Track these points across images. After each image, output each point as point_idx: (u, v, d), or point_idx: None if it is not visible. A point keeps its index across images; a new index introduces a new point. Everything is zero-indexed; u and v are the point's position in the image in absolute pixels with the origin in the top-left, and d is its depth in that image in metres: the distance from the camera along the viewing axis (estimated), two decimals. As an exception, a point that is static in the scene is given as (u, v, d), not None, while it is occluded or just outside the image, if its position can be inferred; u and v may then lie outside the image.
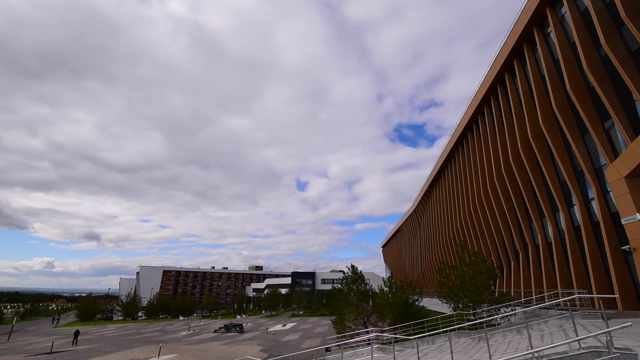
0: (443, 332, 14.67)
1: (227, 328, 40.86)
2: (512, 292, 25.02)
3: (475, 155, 33.11)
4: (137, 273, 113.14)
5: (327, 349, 20.59)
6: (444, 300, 20.37)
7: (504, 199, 27.17)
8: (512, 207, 26.62)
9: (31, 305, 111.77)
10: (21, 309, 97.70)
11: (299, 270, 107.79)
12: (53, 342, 32.02)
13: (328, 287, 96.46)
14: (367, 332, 19.53)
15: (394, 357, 9.83)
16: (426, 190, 54.60)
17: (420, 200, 59.43)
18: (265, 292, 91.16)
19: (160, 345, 27.11)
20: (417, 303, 23.81)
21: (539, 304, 18.65)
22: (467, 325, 15.20)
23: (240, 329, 40.37)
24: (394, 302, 22.90)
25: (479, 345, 13.44)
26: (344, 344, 14.97)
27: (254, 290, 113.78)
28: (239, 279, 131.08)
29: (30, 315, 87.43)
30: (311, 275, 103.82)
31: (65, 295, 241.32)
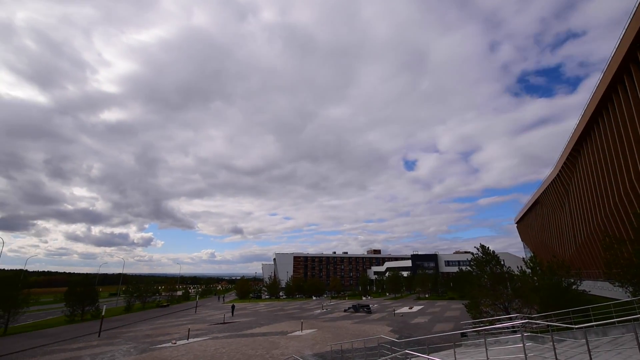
0: (619, 321, 11.69)
1: (356, 308, 43.18)
2: None
3: (646, 93, 24.63)
4: (274, 259, 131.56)
5: (463, 334, 19.28)
6: (617, 283, 16.22)
7: None
8: None
9: (205, 287, 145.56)
10: (199, 290, 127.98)
11: (419, 253, 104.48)
12: (224, 315, 40.66)
13: (453, 269, 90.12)
14: (511, 319, 17.33)
15: (554, 348, 8.33)
16: (572, 148, 43.50)
17: (565, 162, 47.87)
18: (387, 274, 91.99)
19: (302, 321, 30.84)
20: (574, 287, 19.72)
21: None
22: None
23: (368, 309, 42.03)
24: (541, 286, 19.59)
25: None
26: (484, 330, 13.64)
27: (375, 273, 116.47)
28: (359, 263, 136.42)
29: (205, 294, 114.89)
30: (433, 257, 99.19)
31: (225, 278, 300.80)
